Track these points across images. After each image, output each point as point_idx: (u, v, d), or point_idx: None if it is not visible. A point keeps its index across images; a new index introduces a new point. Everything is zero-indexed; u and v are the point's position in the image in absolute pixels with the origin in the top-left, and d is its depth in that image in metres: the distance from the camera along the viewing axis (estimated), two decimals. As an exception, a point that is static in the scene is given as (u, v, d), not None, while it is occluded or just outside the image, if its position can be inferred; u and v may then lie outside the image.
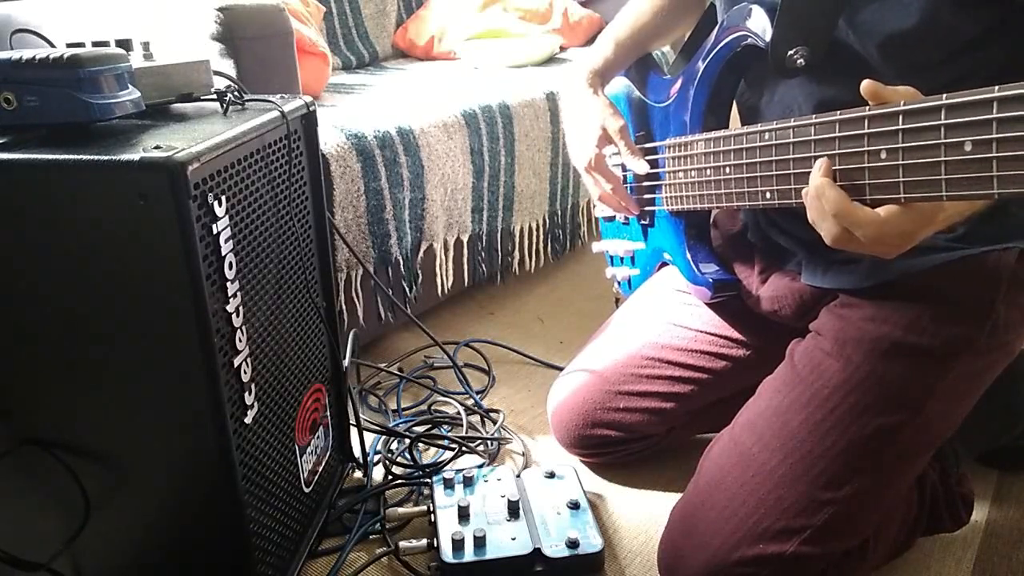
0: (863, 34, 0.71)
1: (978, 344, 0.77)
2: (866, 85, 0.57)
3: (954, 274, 0.76)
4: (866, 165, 0.58)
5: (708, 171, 0.82)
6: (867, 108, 0.58)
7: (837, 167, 0.61)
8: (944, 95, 0.51)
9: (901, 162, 0.55)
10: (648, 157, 0.95)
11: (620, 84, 1.06)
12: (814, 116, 0.64)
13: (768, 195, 0.72)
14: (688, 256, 0.95)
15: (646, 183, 0.98)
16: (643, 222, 1.06)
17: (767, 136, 0.70)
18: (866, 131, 0.58)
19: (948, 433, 0.82)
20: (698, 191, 0.85)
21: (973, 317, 0.77)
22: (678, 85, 0.91)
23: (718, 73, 0.84)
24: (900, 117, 0.55)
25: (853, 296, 0.82)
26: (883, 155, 0.57)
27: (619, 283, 1.21)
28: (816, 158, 0.63)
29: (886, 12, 0.69)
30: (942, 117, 0.51)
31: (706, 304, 0.98)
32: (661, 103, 0.96)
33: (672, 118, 0.93)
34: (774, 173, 0.70)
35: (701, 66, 0.85)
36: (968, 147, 0.50)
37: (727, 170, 0.78)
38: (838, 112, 0.61)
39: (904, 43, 0.69)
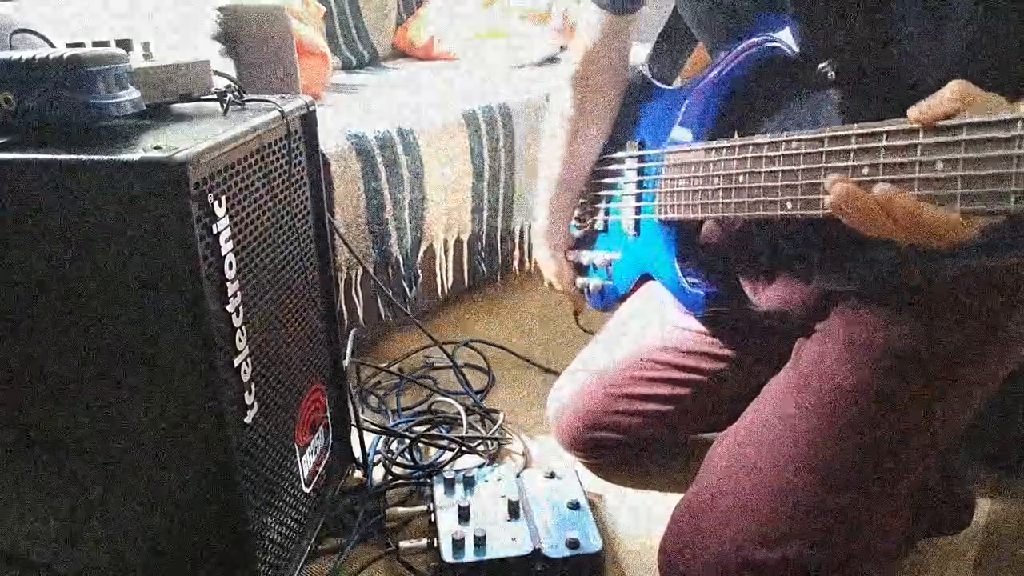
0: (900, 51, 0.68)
1: (991, 352, 0.76)
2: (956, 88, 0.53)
3: (973, 281, 0.74)
4: (917, 176, 0.54)
5: (716, 179, 0.79)
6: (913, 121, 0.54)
7: (881, 176, 0.57)
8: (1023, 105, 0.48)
9: (960, 173, 0.51)
10: (642, 165, 0.94)
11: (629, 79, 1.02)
12: (856, 126, 0.59)
13: (790, 205, 0.68)
14: (677, 269, 0.91)
15: (637, 190, 0.96)
16: (630, 232, 1.02)
17: (794, 145, 0.67)
18: (921, 141, 0.54)
19: (953, 436, 0.82)
20: (700, 200, 0.82)
21: (989, 327, 0.75)
22: (688, 92, 0.89)
23: (737, 80, 0.81)
24: (964, 129, 0.51)
25: (865, 300, 0.80)
26: (939, 166, 0.53)
27: (589, 295, 1.13)
28: (855, 168, 0.59)
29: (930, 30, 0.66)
30: (1019, 128, 0.47)
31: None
32: (663, 109, 0.94)
33: (674, 122, 0.90)
34: (799, 183, 0.66)
35: (715, 73, 0.83)
36: None
37: (740, 178, 0.75)
38: (885, 122, 0.57)
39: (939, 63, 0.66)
